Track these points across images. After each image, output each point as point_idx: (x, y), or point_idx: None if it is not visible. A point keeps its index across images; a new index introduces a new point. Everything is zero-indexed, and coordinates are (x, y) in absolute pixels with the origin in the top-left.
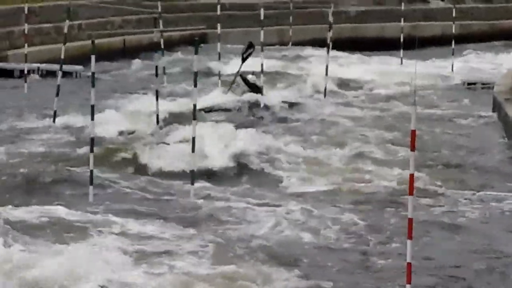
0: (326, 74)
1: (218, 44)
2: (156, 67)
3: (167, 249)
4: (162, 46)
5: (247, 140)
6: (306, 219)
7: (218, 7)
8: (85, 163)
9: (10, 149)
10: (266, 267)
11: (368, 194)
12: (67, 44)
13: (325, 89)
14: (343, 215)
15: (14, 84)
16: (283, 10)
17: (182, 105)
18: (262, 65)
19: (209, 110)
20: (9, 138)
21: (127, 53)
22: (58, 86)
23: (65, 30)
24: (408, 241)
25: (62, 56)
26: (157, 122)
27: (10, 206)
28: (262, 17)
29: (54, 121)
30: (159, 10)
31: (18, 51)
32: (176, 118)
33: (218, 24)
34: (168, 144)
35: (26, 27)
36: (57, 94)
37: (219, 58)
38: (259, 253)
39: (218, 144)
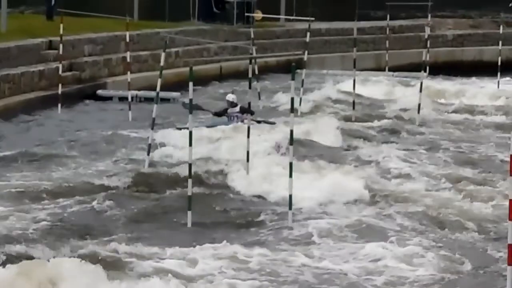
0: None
1: (303, 71)
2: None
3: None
4: (256, 72)
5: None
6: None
7: (308, 34)
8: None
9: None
10: None
11: None
12: (164, 71)
13: (419, 106)
14: None
15: (117, 110)
16: (379, 35)
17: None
18: None
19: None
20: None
21: (224, 79)
22: (153, 119)
23: (162, 63)
24: (508, 267)
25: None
26: (247, 158)
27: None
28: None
29: (148, 153)
30: (252, 36)
31: (116, 78)
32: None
33: (306, 52)
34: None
35: (128, 54)
36: (152, 128)
37: (302, 85)
38: None
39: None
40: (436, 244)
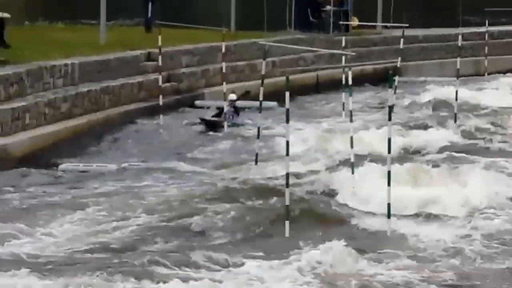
0: None
1: (396, 78)
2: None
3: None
4: (350, 82)
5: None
6: None
7: (401, 40)
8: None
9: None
10: None
11: None
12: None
13: None
14: None
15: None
16: (478, 41)
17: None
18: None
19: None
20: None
21: (321, 88)
22: (259, 128)
23: (263, 72)
24: None
25: (261, 97)
26: (352, 167)
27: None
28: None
29: (256, 163)
30: (343, 45)
31: (214, 88)
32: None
33: (399, 58)
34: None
35: (223, 65)
36: (258, 137)
37: (395, 92)
38: None
39: None
40: None
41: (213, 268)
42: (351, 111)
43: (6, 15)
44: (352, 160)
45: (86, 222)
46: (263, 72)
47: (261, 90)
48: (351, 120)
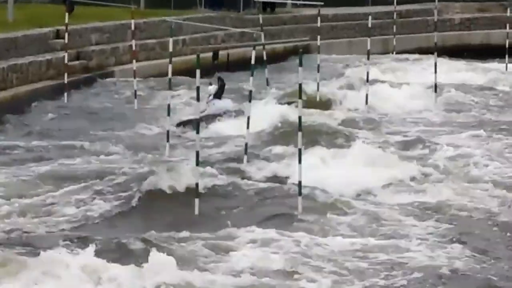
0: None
1: (318, 56)
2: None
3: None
4: (265, 58)
5: None
6: None
7: (319, 19)
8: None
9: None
10: None
11: None
12: (172, 58)
13: (435, 85)
14: None
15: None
16: (387, 19)
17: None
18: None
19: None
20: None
21: (231, 67)
22: (169, 105)
23: (170, 49)
24: None
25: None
26: (246, 147)
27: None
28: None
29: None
30: (261, 22)
31: (124, 66)
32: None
33: (318, 37)
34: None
35: (133, 43)
36: (168, 114)
37: (318, 71)
38: None
39: None
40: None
41: (118, 245)
42: (250, 91)
43: None
44: (247, 141)
45: None
46: (170, 49)
47: (170, 67)
48: (250, 100)
